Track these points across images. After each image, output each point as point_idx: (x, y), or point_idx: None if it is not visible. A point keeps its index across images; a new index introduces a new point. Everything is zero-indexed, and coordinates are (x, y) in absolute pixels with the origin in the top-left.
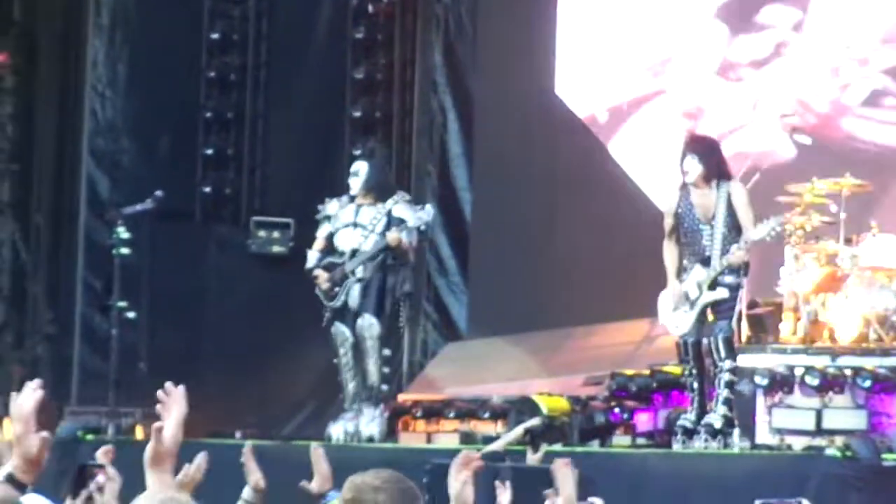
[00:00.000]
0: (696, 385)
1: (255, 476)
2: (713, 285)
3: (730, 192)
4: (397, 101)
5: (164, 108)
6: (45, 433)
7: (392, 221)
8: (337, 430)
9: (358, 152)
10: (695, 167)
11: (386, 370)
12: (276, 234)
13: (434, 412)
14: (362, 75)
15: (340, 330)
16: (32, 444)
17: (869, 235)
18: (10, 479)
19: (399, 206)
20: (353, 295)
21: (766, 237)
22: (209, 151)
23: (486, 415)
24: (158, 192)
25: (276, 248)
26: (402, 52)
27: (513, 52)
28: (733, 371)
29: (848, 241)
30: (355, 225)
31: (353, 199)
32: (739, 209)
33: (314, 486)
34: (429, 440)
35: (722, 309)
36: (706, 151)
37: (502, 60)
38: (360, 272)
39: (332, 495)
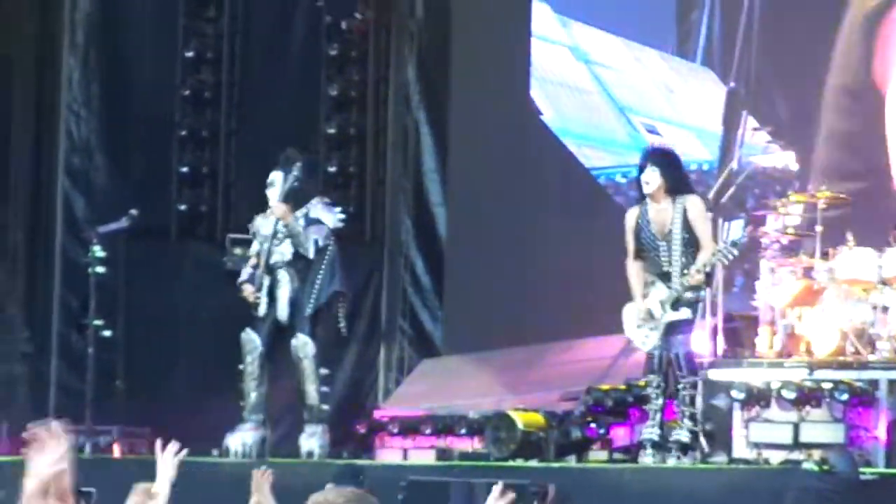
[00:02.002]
0: (659, 402)
1: (256, 499)
2: (675, 305)
3: (685, 207)
4: (371, 117)
5: (139, 127)
6: None
7: (309, 223)
8: (234, 442)
9: (333, 169)
10: (655, 179)
11: (325, 389)
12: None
13: (410, 428)
14: (336, 92)
15: (251, 337)
16: None
17: (845, 248)
18: None
19: (316, 208)
20: (281, 307)
21: (718, 261)
22: (184, 169)
23: (463, 430)
24: (133, 211)
25: None
26: (376, 68)
27: (487, 67)
28: (694, 385)
29: (825, 255)
30: (276, 235)
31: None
32: (696, 223)
33: None
34: (405, 456)
35: (681, 323)
36: (667, 164)
37: (477, 75)
38: (285, 280)
39: None
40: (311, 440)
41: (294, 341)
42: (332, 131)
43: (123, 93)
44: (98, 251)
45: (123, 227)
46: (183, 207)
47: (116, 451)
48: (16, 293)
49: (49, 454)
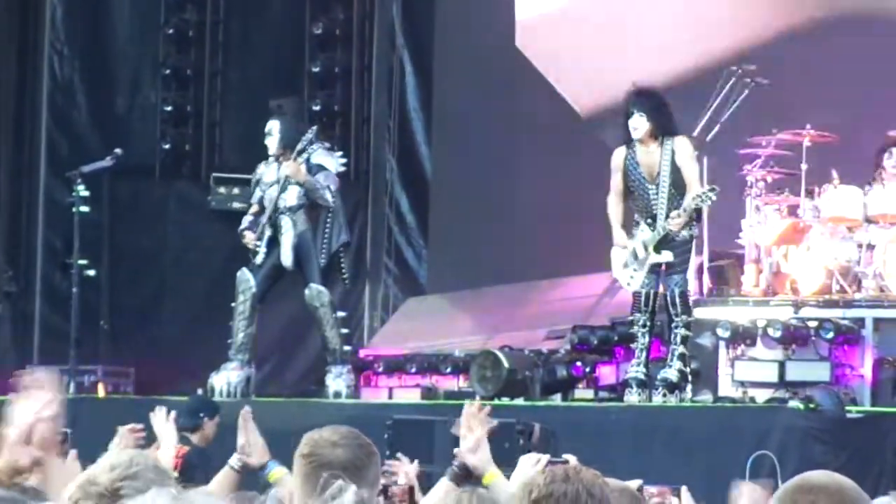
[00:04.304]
0: (645, 340)
1: (243, 440)
2: (658, 248)
3: (674, 150)
4: (356, 56)
5: (123, 66)
6: (39, 455)
7: (312, 169)
8: (219, 381)
9: (317, 108)
10: (642, 124)
11: (344, 331)
12: (235, 191)
13: (395, 367)
14: (321, 30)
15: (246, 277)
16: (23, 459)
17: (830, 186)
18: None
19: (318, 154)
20: (285, 253)
21: (700, 204)
22: (168, 108)
23: (448, 369)
24: (117, 150)
25: (236, 205)
26: (361, 6)
27: (471, 5)
28: (688, 326)
29: (810, 193)
30: (280, 181)
31: (277, 158)
32: (684, 165)
33: (252, 460)
34: (390, 395)
35: (676, 262)
36: (653, 107)
37: (461, 14)
38: (288, 226)
39: (272, 465)
40: (338, 381)
41: (307, 291)
42: (316, 70)
43: (107, 31)
44: (82, 190)
45: (107, 167)
46: (167, 146)
47: (101, 391)
48: None
49: (33, 402)
